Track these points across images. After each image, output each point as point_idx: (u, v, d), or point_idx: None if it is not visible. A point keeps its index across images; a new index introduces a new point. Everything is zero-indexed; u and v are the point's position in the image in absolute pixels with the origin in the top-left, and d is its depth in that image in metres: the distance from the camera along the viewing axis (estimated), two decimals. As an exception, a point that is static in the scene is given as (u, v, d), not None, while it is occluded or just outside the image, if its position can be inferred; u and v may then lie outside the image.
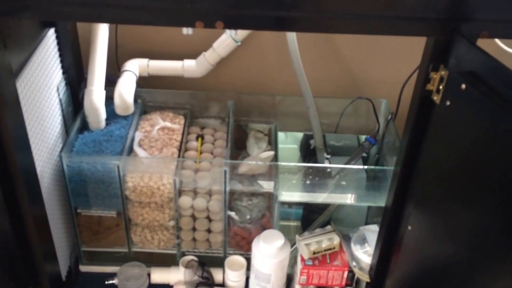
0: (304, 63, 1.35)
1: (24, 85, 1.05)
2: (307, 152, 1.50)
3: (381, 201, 1.21)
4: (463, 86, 0.83)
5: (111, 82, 1.40)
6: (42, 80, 1.16)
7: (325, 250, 1.32)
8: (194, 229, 1.38)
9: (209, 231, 1.39)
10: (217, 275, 1.39)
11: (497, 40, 1.17)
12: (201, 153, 1.39)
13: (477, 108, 0.81)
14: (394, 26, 0.88)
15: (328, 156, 1.45)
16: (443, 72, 0.90)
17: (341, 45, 1.54)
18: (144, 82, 1.49)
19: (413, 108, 0.98)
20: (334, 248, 1.33)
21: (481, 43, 0.86)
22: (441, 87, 0.90)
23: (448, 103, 0.89)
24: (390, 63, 1.55)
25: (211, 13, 0.86)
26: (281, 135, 1.53)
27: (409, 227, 1.07)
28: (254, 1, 0.84)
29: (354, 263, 1.31)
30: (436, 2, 0.83)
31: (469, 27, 0.86)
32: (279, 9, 0.85)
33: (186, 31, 0.89)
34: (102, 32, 1.36)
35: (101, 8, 0.86)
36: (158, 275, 1.39)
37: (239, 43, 1.44)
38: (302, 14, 0.86)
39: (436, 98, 0.92)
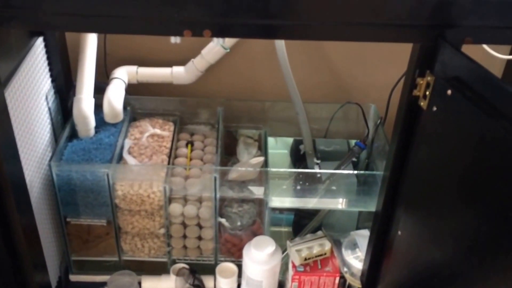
0: (293, 69, 1.35)
1: (12, 95, 1.05)
2: (297, 158, 1.50)
3: (371, 206, 1.21)
4: (449, 91, 0.84)
5: (100, 89, 1.39)
6: (31, 89, 1.16)
7: (316, 256, 1.33)
8: (184, 236, 1.38)
9: (199, 238, 1.39)
10: (208, 283, 1.39)
11: (484, 45, 1.18)
12: (191, 159, 1.39)
13: (463, 113, 0.82)
14: (379, 33, 0.89)
15: (318, 161, 1.46)
16: (429, 78, 0.90)
17: (330, 50, 1.55)
18: (133, 89, 1.49)
19: (401, 113, 0.99)
20: (325, 254, 1.33)
21: (469, 47, 0.87)
22: (427, 92, 0.91)
23: (434, 108, 0.89)
24: (379, 67, 1.56)
25: (198, 22, 0.86)
26: (271, 140, 1.53)
27: (399, 232, 1.08)
28: (241, 10, 0.84)
29: (345, 269, 1.31)
30: (420, 9, 0.84)
31: (454, 33, 0.87)
32: (266, 17, 0.85)
33: (174, 39, 0.90)
34: (91, 40, 1.36)
35: (90, 18, 0.86)
36: (149, 284, 1.39)
37: (228, 50, 1.44)
38: (289, 22, 0.87)
39: (423, 103, 0.92)
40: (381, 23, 0.87)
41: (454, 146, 0.86)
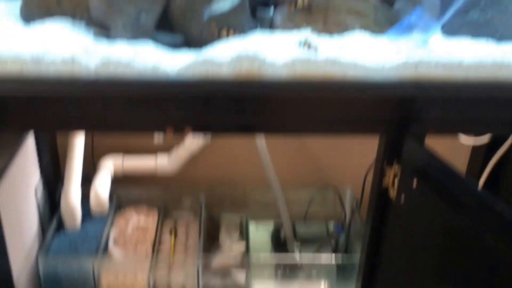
0: (272, 154, 1.41)
1: (3, 191, 1.08)
2: (278, 242, 1.53)
3: (352, 287, 1.24)
4: (414, 183, 0.89)
5: (87, 179, 1.43)
6: (20, 183, 1.19)
7: None
8: (169, 324, 1.38)
9: (184, 325, 1.39)
10: None
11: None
12: (174, 247, 1.42)
13: (428, 205, 0.86)
14: (348, 127, 0.93)
15: (298, 244, 1.49)
16: (396, 167, 0.96)
17: (308, 137, 1.61)
18: (119, 176, 1.53)
19: (372, 204, 1.03)
20: (308, 337, 1.34)
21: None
22: (396, 181, 0.96)
23: (402, 201, 0.94)
24: (354, 151, 1.61)
25: (180, 121, 0.91)
26: (252, 225, 1.57)
27: (378, 315, 1.10)
28: (220, 110, 0.90)
29: None
30: (384, 105, 0.89)
31: (417, 126, 0.91)
32: (243, 116, 0.91)
33: (158, 140, 0.94)
34: (79, 132, 1.41)
35: (77, 119, 0.91)
36: None
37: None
38: (265, 120, 0.92)
39: (392, 194, 0.97)
40: (348, 119, 0.92)
41: (423, 236, 0.90)
